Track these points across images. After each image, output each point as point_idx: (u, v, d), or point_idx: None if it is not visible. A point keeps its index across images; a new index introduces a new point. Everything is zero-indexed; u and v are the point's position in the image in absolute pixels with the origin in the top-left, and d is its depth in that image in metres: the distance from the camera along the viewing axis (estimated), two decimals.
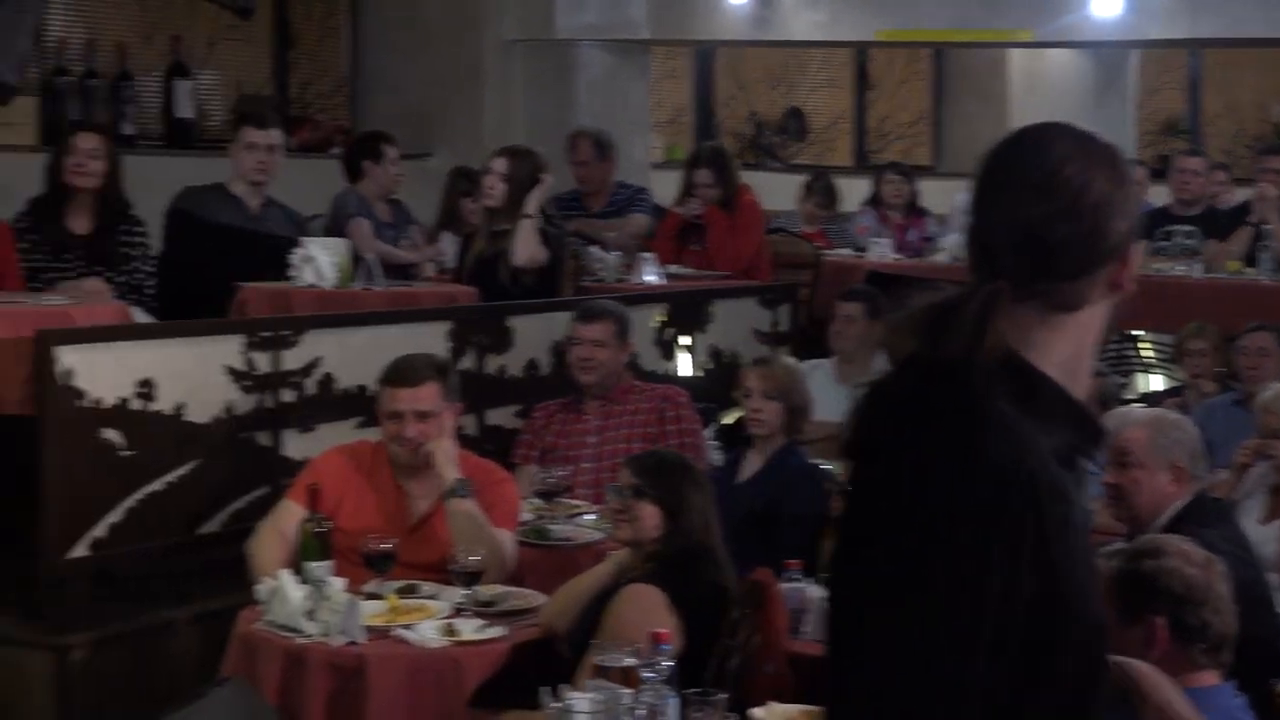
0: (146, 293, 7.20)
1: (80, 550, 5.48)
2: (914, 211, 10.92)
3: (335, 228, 7.80)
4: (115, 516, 5.57)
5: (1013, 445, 2.15)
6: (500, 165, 7.55)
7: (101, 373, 5.55)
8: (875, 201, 10.94)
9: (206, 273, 7.37)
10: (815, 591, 4.87)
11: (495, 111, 10.07)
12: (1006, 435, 2.16)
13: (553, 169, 7.89)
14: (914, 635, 2.11)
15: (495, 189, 7.53)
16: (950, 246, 9.97)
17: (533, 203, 7.50)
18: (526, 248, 7.45)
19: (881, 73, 14.41)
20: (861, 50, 14.00)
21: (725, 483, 5.79)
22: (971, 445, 2.16)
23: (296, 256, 7.02)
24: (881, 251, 9.95)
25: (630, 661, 4.14)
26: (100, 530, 5.53)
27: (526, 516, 5.71)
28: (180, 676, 5.43)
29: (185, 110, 9.12)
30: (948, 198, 11.23)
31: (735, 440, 6.46)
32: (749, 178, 9.96)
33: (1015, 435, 2.16)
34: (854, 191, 11.39)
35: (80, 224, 7.18)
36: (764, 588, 4.62)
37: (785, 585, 4.83)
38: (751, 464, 6.05)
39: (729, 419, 7.07)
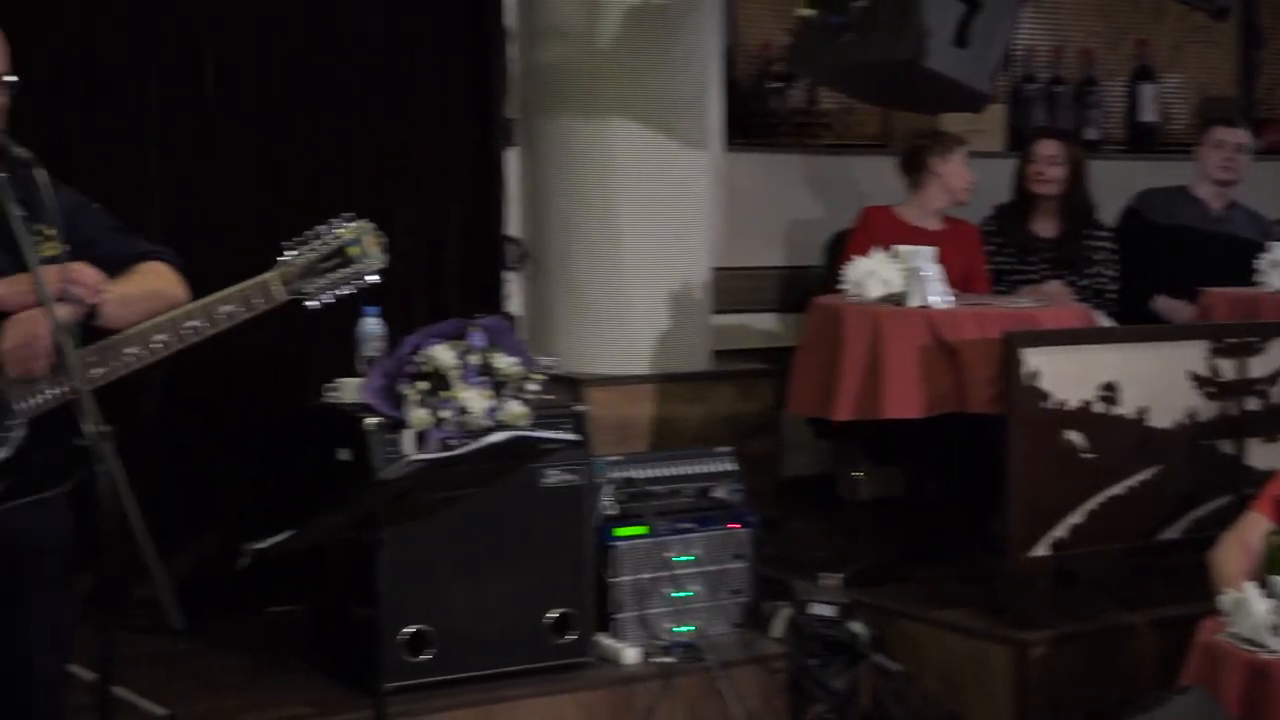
0: (1108, 297, 7.25)
1: (1042, 549, 5.58)
2: None
3: None
4: (1076, 518, 5.64)
5: None
6: None
7: (1065, 375, 5.62)
8: None
9: (1164, 274, 7.35)
10: None
11: None
12: None
13: None
14: None
15: None
16: None
17: None
18: None
19: None
20: None
21: None
22: None
23: (1263, 261, 6.85)
24: None
25: None
26: (1061, 530, 5.61)
27: None
28: (1137, 680, 5.44)
29: (1148, 114, 9.09)
30: None
31: None
32: None
33: None
34: None
35: (1045, 228, 7.33)
36: None
37: None
38: None
39: None
